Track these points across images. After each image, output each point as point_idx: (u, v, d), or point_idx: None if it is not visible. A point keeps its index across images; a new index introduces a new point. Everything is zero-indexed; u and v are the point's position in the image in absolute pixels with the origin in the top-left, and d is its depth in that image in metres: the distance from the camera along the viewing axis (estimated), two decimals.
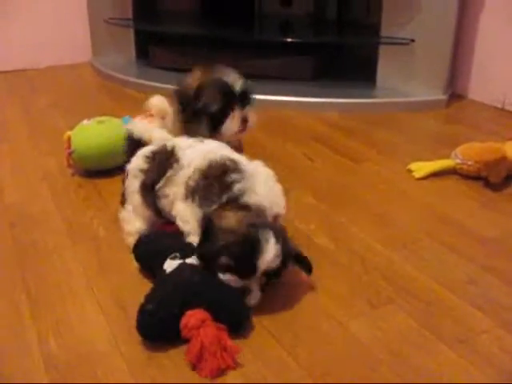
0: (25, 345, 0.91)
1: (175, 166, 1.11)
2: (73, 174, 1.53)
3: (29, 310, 0.99)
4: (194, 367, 0.85)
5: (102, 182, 1.48)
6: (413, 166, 1.55)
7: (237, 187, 1.01)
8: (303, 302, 1.00)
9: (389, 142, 1.80)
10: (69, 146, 1.50)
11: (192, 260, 0.98)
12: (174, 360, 0.86)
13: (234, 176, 1.03)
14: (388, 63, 2.18)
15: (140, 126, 1.29)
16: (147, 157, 1.16)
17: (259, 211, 1.00)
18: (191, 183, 1.06)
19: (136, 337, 0.90)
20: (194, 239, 1.03)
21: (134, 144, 1.23)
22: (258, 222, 0.96)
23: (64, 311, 0.99)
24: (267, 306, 0.98)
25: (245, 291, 0.95)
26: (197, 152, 1.12)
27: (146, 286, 0.97)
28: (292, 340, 0.91)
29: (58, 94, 2.37)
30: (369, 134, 1.86)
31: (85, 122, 1.55)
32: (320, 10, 2.71)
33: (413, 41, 2.09)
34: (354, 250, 1.17)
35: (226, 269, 0.94)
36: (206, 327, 0.86)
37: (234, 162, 1.07)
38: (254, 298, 0.96)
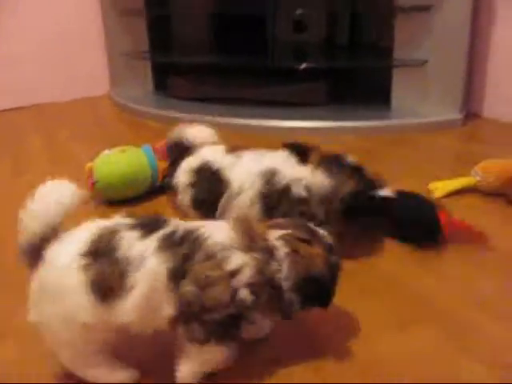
0: None
1: (228, 191, 1.18)
2: (95, 206, 1.54)
3: None
4: None
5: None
6: (432, 185, 1.55)
7: None
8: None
9: (407, 162, 1.80)
10: (91, 176, 1.52)
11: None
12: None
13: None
14: (402, 84, 2.20)
15: (192, 130, 1.34)
16: (193, 171, 1.24)
17: None
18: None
19: None
20: None
21: (181, 150, 1.33)
22: None
23: None
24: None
25: None
26: (244, 171, 1.19)
27: None
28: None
29: (78, 127, 2.42)
30: (386, 155, 1.87)
31: (106, 151, 1.58)
32: (333, 35, 2.75)
33: (426, 62, 2.11)
34: (382, 272, 1.17)
35: None
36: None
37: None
38: None
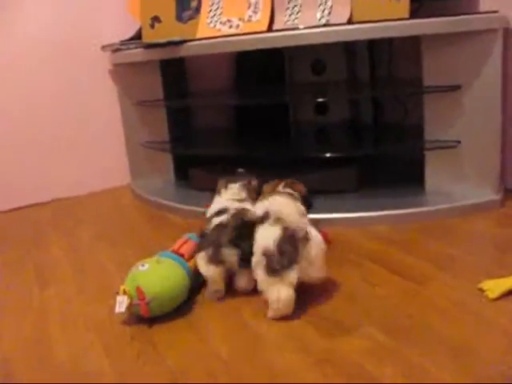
0: None
1: None
2: (125, 324, 1.44)
3: None
4: None
5: (156, 332, 1.38)
6: (484, 284, 1.42)
7: None
8: None
9: (449, 255, 1.68)
10: (143, 298, 1.39)
11: None
12: None
13: None
14: (435, 166, 2.11)
15: None
16: None
17: None
18: None
19: None
20: None
21: None
22: None
23: None
24: None
25: None
26: None
27: None
28: None
29: (99, 223, 2.35)
30: (425, 247, 1.74)
31: (140, 267, 1.47)
32: (356, 116, 2.68)
33: (459, 142, 2.03)
34: None
35: None
36: None
37: None
38: None
